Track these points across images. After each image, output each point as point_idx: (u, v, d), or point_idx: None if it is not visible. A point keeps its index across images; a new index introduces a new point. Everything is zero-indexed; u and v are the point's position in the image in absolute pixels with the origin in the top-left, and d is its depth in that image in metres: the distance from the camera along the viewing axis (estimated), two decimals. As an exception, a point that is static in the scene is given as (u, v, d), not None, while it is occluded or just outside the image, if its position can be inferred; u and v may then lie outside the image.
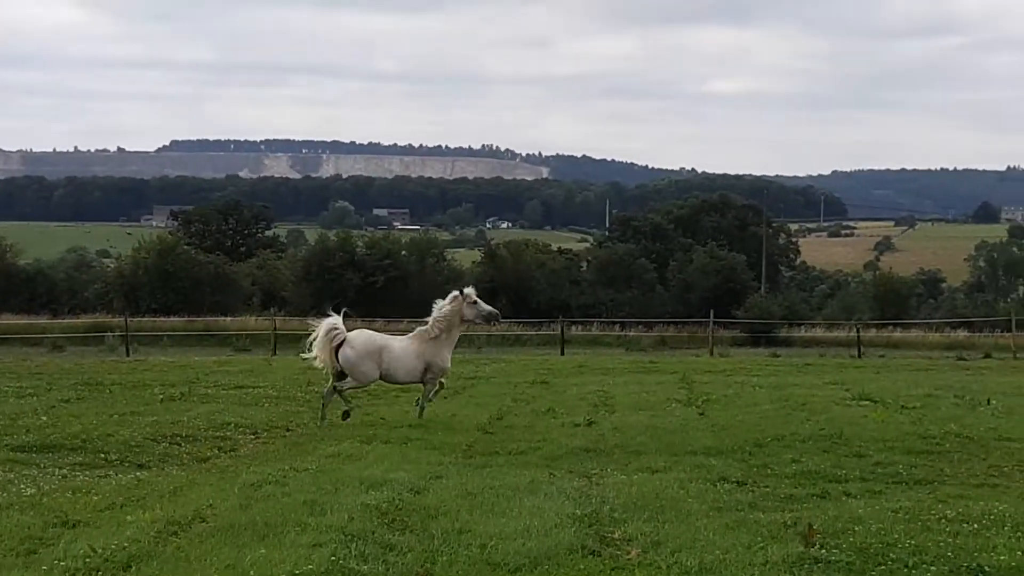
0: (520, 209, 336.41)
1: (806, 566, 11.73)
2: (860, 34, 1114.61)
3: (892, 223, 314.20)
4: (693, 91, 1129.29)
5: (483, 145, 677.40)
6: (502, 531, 13.10)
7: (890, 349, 67.20)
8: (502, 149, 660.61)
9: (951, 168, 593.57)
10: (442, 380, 25.70)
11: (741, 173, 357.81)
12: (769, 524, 13.57)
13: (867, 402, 28.70)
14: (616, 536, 13.05)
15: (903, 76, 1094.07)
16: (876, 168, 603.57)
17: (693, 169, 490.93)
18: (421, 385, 25.40)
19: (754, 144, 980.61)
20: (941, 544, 12.49)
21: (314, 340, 24.86)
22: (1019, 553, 12.15)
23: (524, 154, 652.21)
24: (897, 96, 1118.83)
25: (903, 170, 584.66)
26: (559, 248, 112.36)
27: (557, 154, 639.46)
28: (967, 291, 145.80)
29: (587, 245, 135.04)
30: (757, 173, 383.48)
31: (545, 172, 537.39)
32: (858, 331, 67.59)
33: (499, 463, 18.78)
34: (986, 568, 11.65)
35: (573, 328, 70.75)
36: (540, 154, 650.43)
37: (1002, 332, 71.28)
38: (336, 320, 24.95)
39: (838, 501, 15.40)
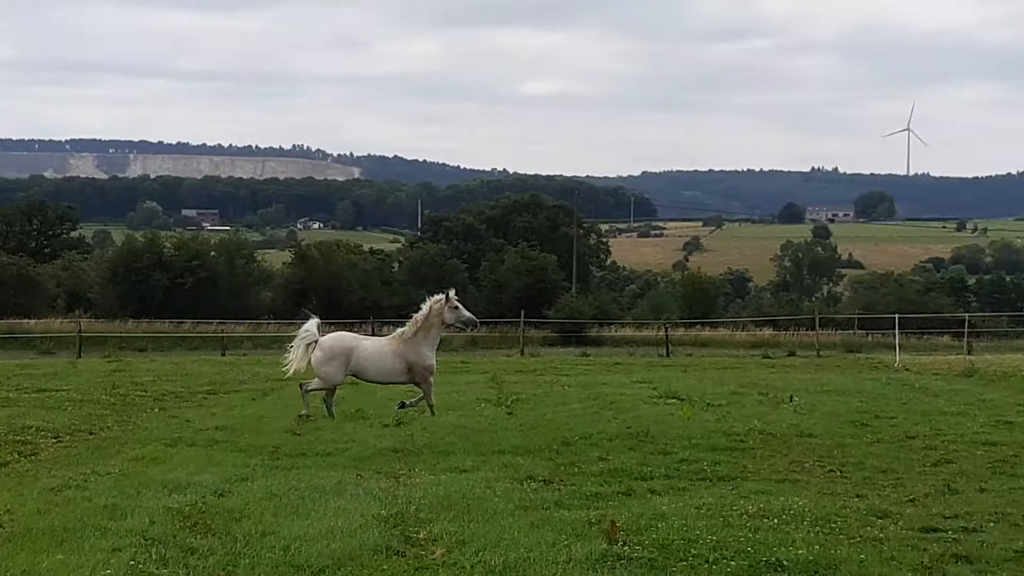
0: (332, 210, 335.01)
1: (608, 563, 11.84)
2: (670, 37, 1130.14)
3: (700, 223, 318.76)
4: (505, 92, 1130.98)
5: (294, 145, 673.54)
6: (306, 533, 13.04)
7: (698, 348, 68.31)
8: (313, 149, 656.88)
9: (757, 169, 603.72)
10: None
11: (552, 174, 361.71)
12: (574, 522, 13.68)
13: (674, 400, 29.09)
14: (421, 536, 13.04)
15: (711, 78, 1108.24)
16: (685, 169, 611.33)
17: (505, 170, 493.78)
18: (411, 387, 26.10)
19: (565, 145, 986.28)
20: (742, 539, 12.71)
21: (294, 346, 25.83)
22: (817, 547, 12.41)
23: (335, 154, 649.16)
24: (705, 98, 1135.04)
25: (711, 171, 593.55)
26: (371, 249, 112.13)
27: (369, 154, 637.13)
28: (773, 290, 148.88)
29: (399, 245, 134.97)
30: (568, 174, 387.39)
31: (357, 172, 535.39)
32: (667, 330, 68.50)
33: (306, 464, 18.67)
34: (784, 562, 11.86)
35: (384, 329, 70.27)
36: (352, 154, 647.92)
37: (806, 330, 73.08)
38: (311, 325, 25.60)
39: (643, 498, 15.58)
